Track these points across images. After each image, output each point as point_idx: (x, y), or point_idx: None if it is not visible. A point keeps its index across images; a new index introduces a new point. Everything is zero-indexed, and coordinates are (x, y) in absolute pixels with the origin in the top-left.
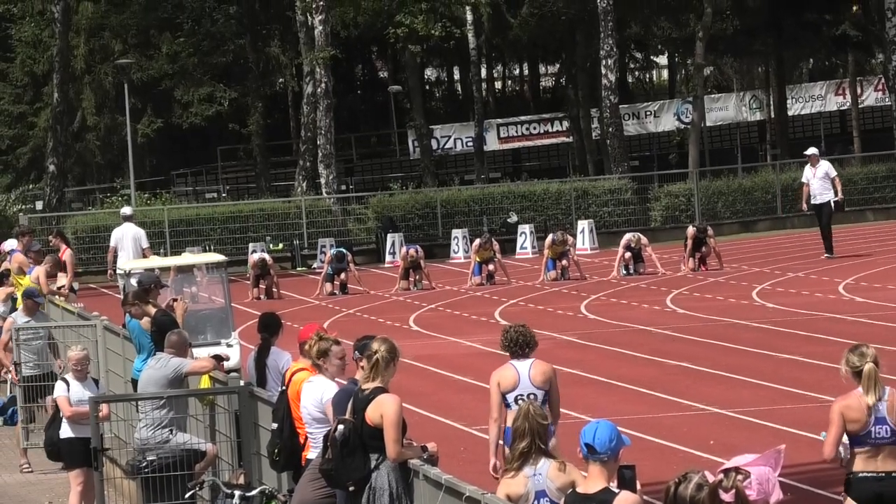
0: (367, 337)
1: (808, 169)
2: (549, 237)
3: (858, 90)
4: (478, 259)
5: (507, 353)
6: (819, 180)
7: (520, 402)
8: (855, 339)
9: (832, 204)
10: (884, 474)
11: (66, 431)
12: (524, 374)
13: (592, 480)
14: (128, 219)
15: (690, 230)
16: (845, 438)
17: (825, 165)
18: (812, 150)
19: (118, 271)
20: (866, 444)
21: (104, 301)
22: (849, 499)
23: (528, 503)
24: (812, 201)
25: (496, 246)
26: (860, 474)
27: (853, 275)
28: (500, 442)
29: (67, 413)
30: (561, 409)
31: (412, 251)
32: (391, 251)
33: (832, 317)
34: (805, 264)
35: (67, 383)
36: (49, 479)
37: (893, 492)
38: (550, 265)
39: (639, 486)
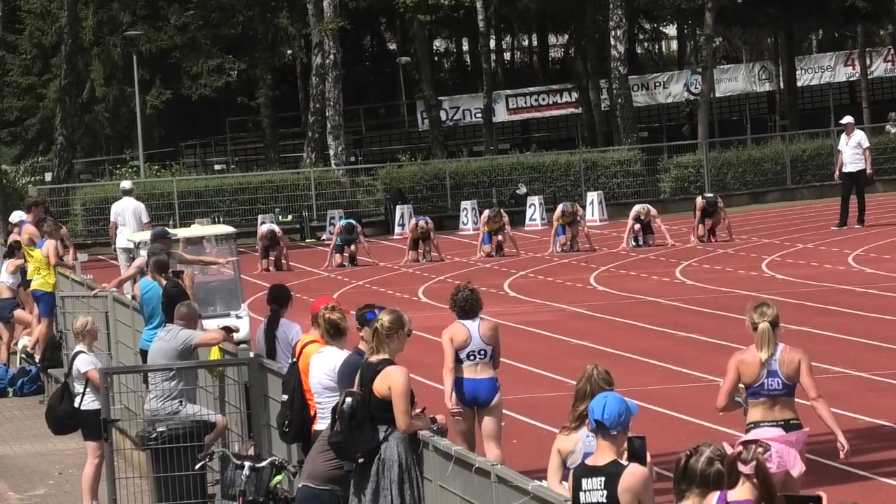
0: (367, 306)
1: (843, 137)
2: (560, 207)
3: (867, 61)
4: (486, 229)
5: (455, 314)
6: (851, 149)
7: (471, 357)
8: (864, 309)
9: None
10: (782, 422)
11: (90, 404)
12: (474, 332)
13: (601, 453)
14: (127, 193)
15: (699, 201)
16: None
17: (859, 135)
18: (848, 119)
19: (121, 245)
20: (761, 396)
21: (112, 273)
22: None
23: (573, 462)
24: (843, 170)
25: (505, 218)
26: (761, 423)
27: (862, 246)
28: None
29: (99, 384)
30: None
31: (422, 222)
32: (400, 223)
33: (842, 288)
34: (814, 236)
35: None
36: (59, 450)
37: None
38: (560, 231)
39: (649, 458)
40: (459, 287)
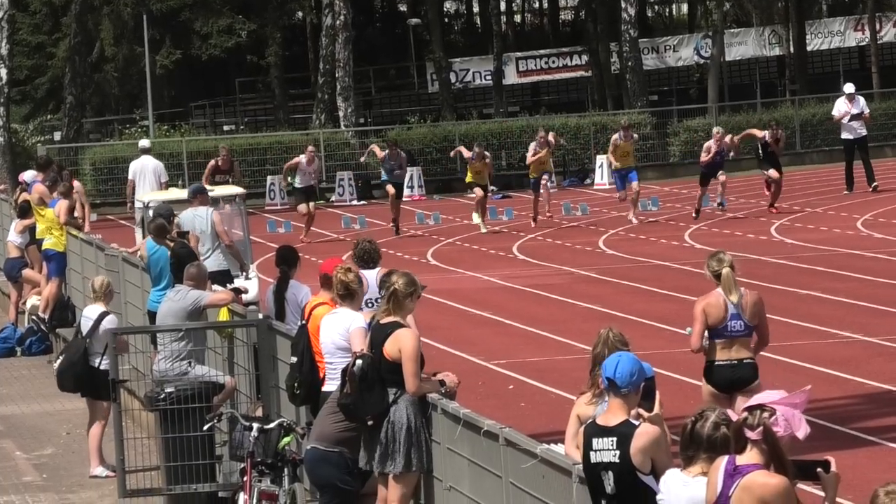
0: (367, 241)
1: (843, 103)
2: (615, 136)
3: (878, 26)
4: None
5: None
6: (856, 117)
7: (368, 304)
8: (873, 274)
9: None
10: (736, 361)
11: (105, 364)
12: (372, 281)
13: (613, 413)
14: (146, 151)
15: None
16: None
17: (862, 101)
18: (850, 87)
19: (136, 204)
20: (723, 337)
21: (123, 233)
22: (705, 384)
23: None
24: (848, 136)
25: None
26: (717, 362)
27: (871, 210)
28: None
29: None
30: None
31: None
32: (409, 185)
33: (851, 252)
34: (823, 200)
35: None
36: (67, 409)
37: (743, 375)
38: (617, 182)
39: (658, 398)
40: (359, 240)
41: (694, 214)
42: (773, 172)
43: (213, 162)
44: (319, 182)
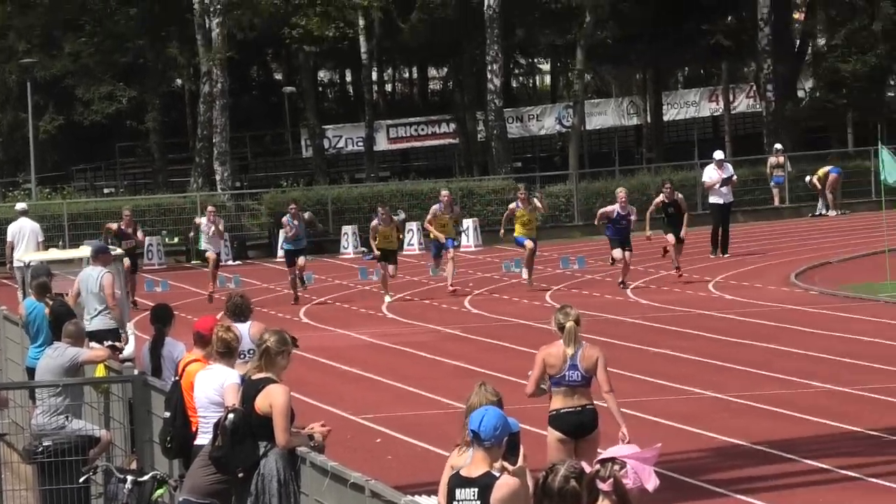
0: (240, 296)
1: (713, 170)
2: (512, 205)
3: (731, 97)
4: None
5: (229, 317)
6: (726, 182)
7: (241, 356)
8: (723, 334)
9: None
10: (580, 408)
11: None
12: (245, 333)
13: (476, 464)
14: (24, 213)
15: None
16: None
17: (730, 167)
18: (719, 154)
19: (16, 263)
20: (563, 385)
21: (5, 292)
22: (551, 431)
23: None
24: (717, 200)
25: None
26: (561, 410)
27: (722, 273)
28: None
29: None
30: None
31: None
32: (283, 246)
33: (702, 313)
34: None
35: None
36: None
37: (586, 420)
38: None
39: (522, 451)
40: (232, 294)
41: (620, 285)
42: (670, 237)
43: (115, 225)
44: (223, 242)
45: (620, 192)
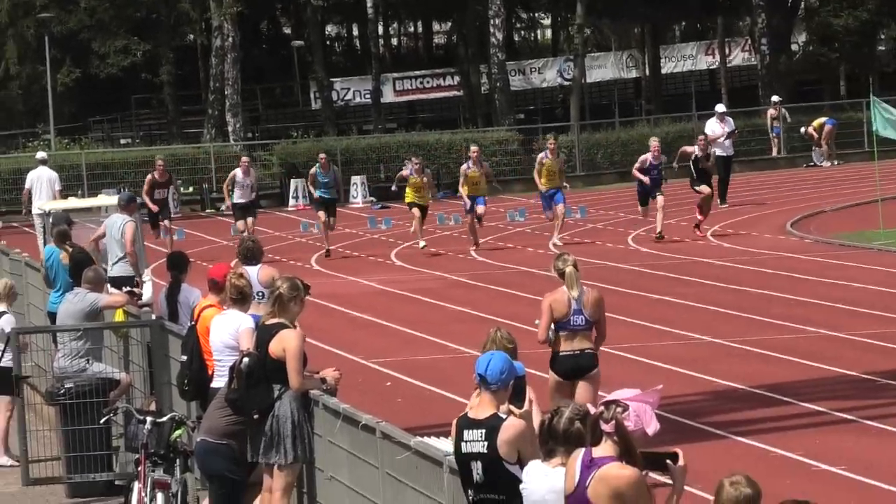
0: (251, 241)
1: (715, 123)
2: (541, 155)
3: (727, 50)
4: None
5: (240, 260)
6: (729, 135)
7: (255, 297)
8: (721, 281)
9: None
10: (578, 351)
11: (7, 361)
12: (253, 277)
13: (483, 407)
14: (43, 162)
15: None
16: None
17: (731, 121)
18: (721, 107)
19: (36, 211)
20: (566, 329)
21: (26, 239)
22: (552, 372)
23: None
24: (720, 153)
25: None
26: (561, 353)
27: (720, 223)
28: None
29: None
30: None
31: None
32: (294, 195)
33: (699, 260)
34: (677, 212)
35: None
36: None
37: (584, 363)
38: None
39: (529, 394)
40: (243, 238)
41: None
42: (704, 188)
43: (149, 176)
44: (257, 197)
45: (654, 142)
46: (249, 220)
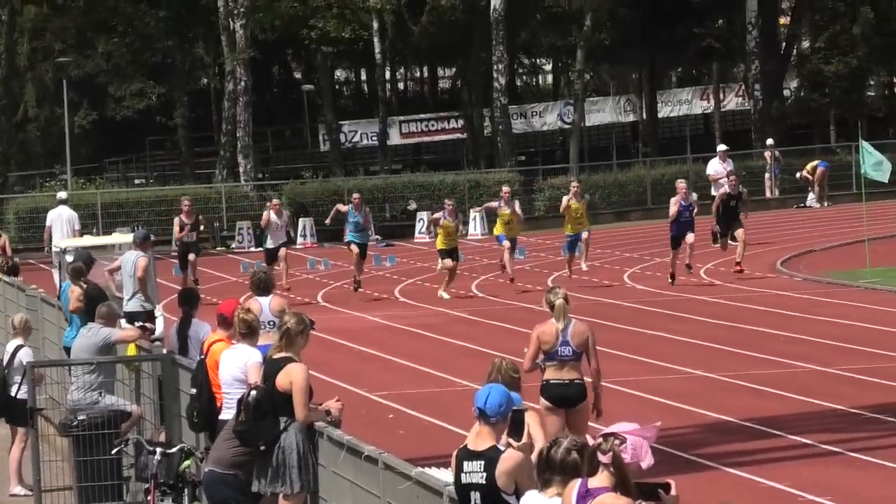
0: (263, 272)
1: (717, 163)
2: (566, 197)
3: (721, 96)
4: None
5: (253, 291)
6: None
7: (264, 326)
8: (713, 318)
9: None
10: (567, 381)
11: (24, 393)
12: (265, 306)
13: (482, 438)
14: (62, 202)
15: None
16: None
17: (731, 162)
18: (723, 147)
19: (54, 249)
20: (555, 360)
21: (42, 276)
22: (541, 399)
23: None
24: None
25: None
26: (551, 381)
27: (713, 261)
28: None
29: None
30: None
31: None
32: (302, 234)
33: (694, 298)
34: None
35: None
36: None
37: (572, 393)
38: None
39: (527, 428)
40: (255, 271)
41: (669, 280)
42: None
43: (177, 218)
44: (292, 234)
45: (681, 184)
46: (282, 263)
